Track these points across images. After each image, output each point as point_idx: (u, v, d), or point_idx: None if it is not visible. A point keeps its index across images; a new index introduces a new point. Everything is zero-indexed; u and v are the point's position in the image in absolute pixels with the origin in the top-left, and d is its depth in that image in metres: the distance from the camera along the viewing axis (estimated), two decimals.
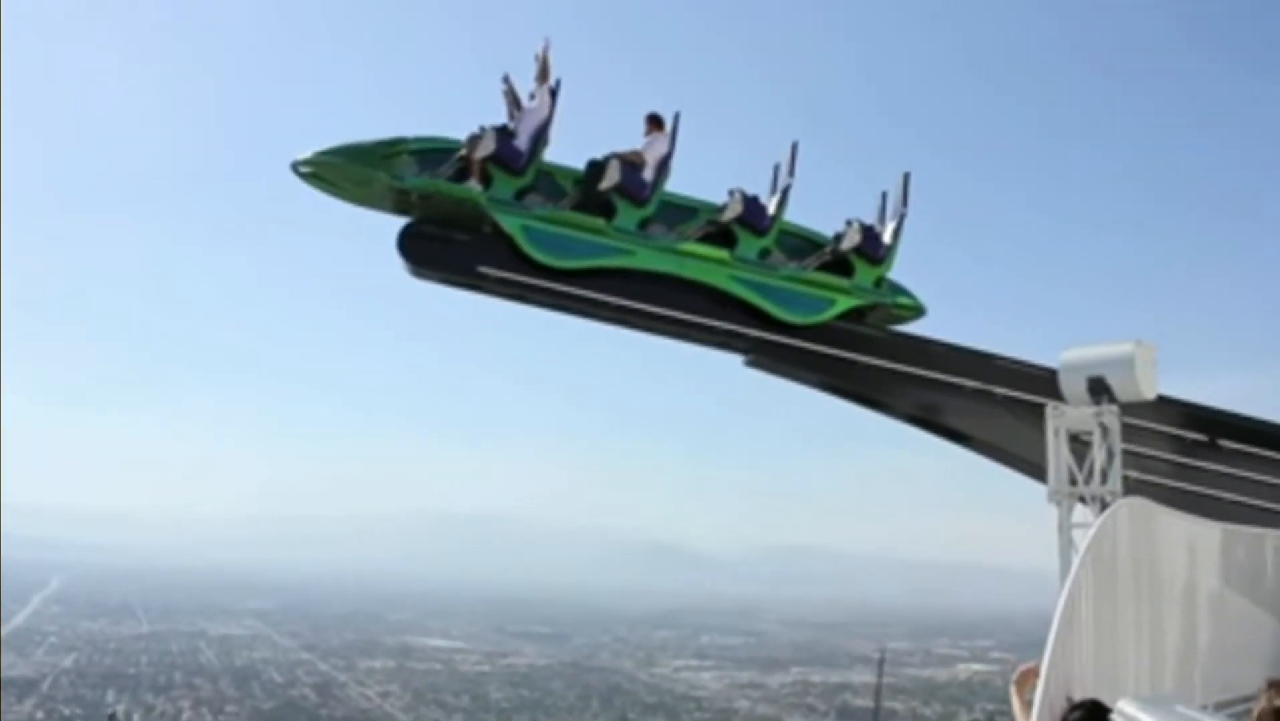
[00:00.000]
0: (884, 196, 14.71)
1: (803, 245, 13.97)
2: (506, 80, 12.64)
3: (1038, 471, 12.81)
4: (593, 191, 12.68)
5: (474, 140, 12.14)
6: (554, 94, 12.63)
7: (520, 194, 12.47)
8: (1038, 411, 12.69)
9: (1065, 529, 12.04)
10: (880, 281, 14.08)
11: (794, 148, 13.84)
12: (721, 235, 13.39)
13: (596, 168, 12.72)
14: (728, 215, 13.33)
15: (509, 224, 12.26)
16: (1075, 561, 6.62)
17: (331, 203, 12.24)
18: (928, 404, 14.42)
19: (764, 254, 13.57)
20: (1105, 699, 6.20)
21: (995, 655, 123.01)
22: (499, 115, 12.61)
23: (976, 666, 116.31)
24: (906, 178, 14.64)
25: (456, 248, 12.45)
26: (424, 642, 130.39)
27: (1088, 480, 12.11)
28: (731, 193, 13.45)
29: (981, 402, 14.33)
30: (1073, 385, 12.31)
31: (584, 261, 12.52)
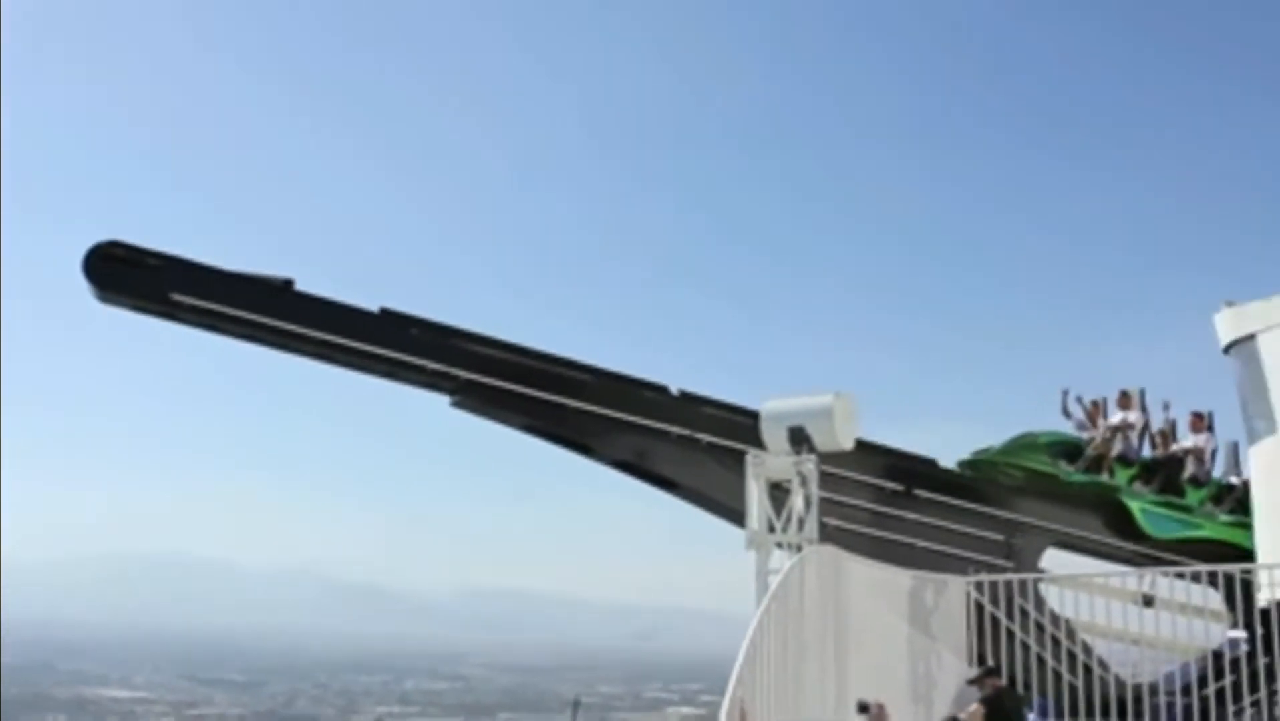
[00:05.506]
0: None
1: None
2: (1079, 400, 17.47)
3: (742, 519, 13.16)
4: (1176, 478, 16.94)
5: (1107, 445, 16.73)
6: (1144, 409, 17.35)
7: (1130, 481, 16.75)
8: (741, 458, 13.02)
9: (762, 575, 12.32)
10: None
11: None
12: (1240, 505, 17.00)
13: (1177, 461, 17.12)
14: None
15: (1133, 506, 16.37)
16: (760, 606, 6.75)
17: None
18: (634, 450, 14.58)
19: None
20: None
21: (705, 698, 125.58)
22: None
23: (686, 710, 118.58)
24: None
25: (149, 273, 11.74)
26: (101, 694, 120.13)
27: (785, 528, 12.47)
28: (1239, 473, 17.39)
29: (687, 449, 14.61)
30: (773, 434, 12.67)
31: (1175, 534, 16.35)
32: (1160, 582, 15.52)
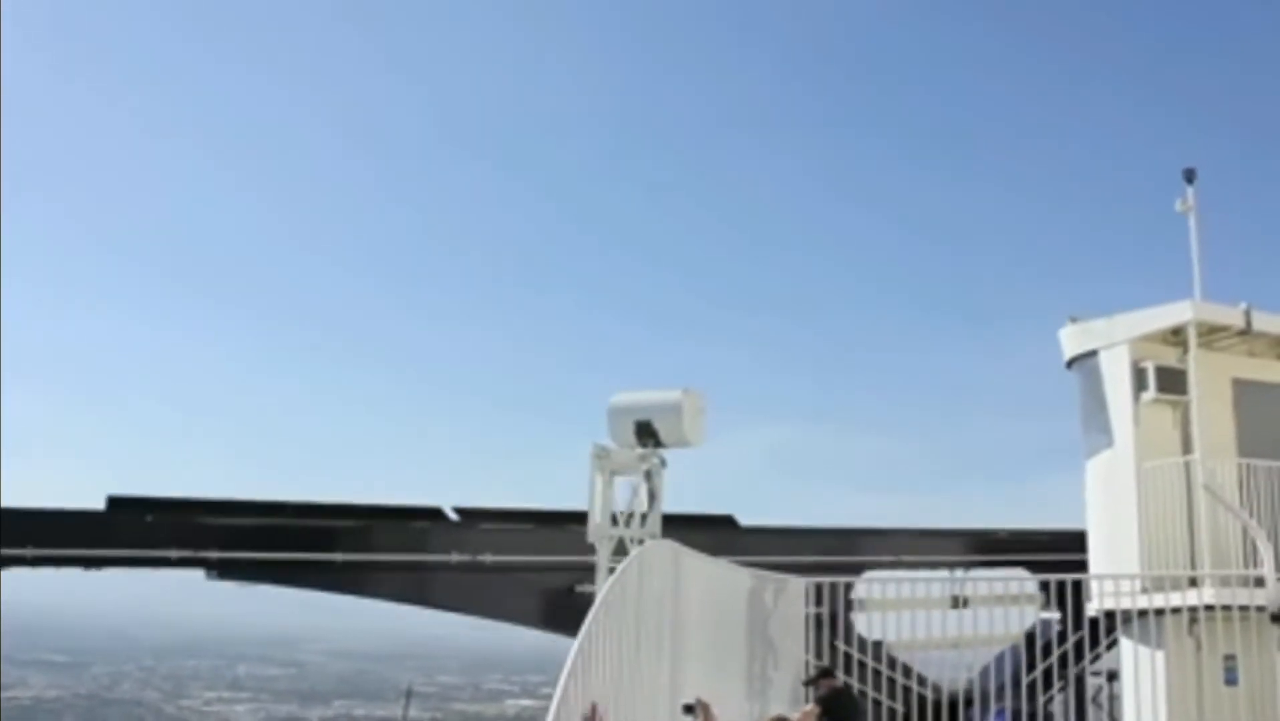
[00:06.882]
0: None
1: None
2: None
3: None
4: None
5: None
6: None
7: None
8: (530, 571, 13.04)
9: (604, 568, 12.33)
10: None
11: None
12: None
13: None
14: None
15: None
16: (598, 597, 6.75)
17: None
18: (413, 587, 14.41)
19: None
20: None
21: (546, 691, 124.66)
22: None
23: (526, 701, 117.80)
24: None
25: None
26: None
27: (628, 523, 12.50)
28: None
29: (470, 573, 14.46)
30: (620, 428, 12.68)
31: None
32: (976, 576, 16.29)
